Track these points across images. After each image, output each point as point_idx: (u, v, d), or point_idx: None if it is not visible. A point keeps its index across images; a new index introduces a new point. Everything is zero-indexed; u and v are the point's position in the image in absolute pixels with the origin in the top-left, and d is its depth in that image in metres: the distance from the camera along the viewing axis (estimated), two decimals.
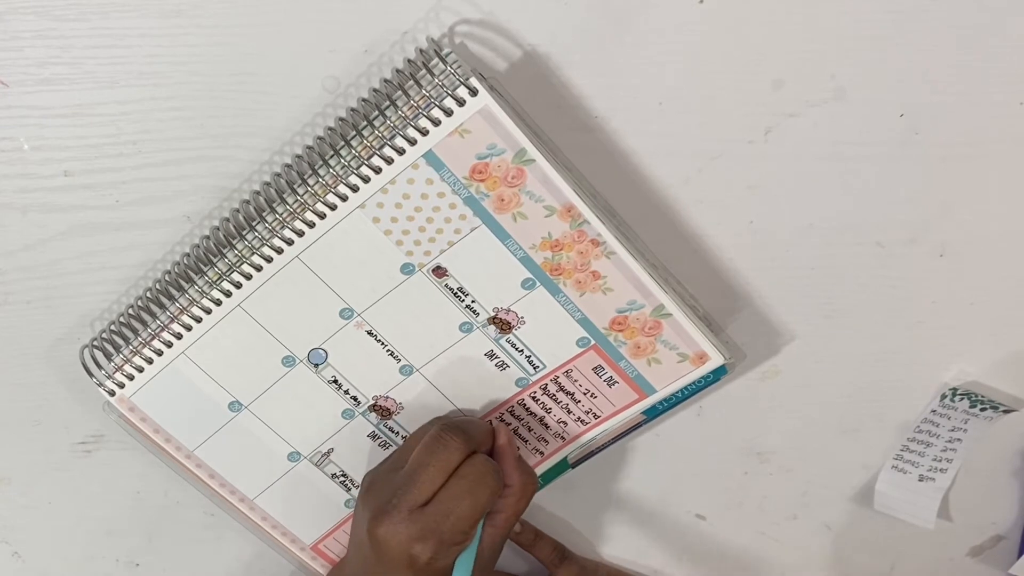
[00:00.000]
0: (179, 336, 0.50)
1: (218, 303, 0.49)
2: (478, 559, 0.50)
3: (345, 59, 0.47)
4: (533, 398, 0.54)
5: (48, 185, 0.50)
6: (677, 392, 0.53)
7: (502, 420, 0.55)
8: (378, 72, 0.48)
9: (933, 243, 0.54)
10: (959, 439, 0.56)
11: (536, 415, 0.54)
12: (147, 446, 0.54)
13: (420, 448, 0.49)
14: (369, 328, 0.51)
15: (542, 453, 0.56)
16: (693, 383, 0.52)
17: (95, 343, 0.51)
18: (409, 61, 0.46)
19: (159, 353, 0.51)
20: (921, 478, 0.57)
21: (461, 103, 0.44)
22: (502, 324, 0.51)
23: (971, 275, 0.55)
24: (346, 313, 0.50)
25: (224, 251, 0.49)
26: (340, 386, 0.53)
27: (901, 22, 0.48)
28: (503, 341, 0.52)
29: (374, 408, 0.54)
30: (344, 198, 0.47)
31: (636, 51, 0.48)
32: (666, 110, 0.49)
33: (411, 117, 0.45)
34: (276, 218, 0.48)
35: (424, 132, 0.45)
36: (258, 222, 0.48)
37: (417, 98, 0.45)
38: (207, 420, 0.53)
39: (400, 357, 0.52)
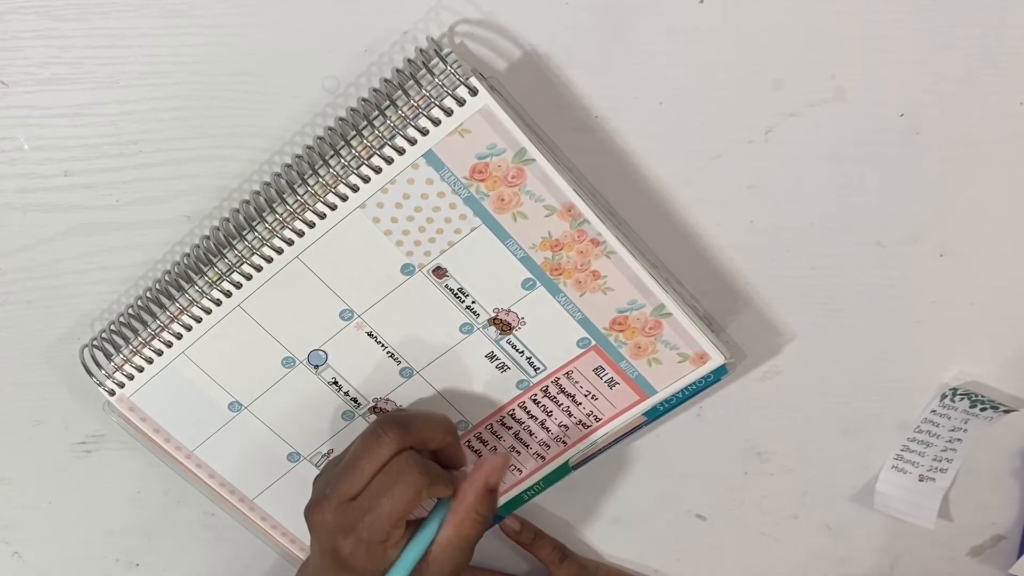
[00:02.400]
0: (179, 336, 0.50)
1: (218, 303, 0.49)
2: (431, 561, 0.48)
3: (345, 59, 0.47)
4: (534, 401, 0.54)
5: (48, 185, 0.50)
6: (678, 392, 0.53)
7: (503, 424, 0.55)
8: (378, 72, 0.47)
9: (933, 243, 0.54)
10: (959, 439, 0.56)
11: (537, 419, 0.54)
12: (147, 446, 0.54)
13: (357, 441, 0.48)
14: (369, 329, 0.51)
15: (543, 458, 0.56)
16: (694, 383, 0.52)
17: (95, 343, 0.51)
18: (409, 61, 0.46)
19: (159, 353, 0.51)
20: (921, 478, 0.57)
21: (461, 103, 0.44)
22: (502, 325, 0.51)
23: (971, 275, 0.55)
24: (346, 314, 0.50)
25: (224, 251, 0.49)
26: (340, 387, 0.53)
27: (901, 22, 0.48)
28: (503, 342, 0.52)
29: (374, 410, 0.54)
30: (344, 198, 0.47)
31: (636, 51, 0.48)
32: (666, 110, 0.49)
33: (411, 117, 0.45)
34: (276, 218, 0.48)
35: (424, 132, 0.45)
36: (258, 222, 0.48)
37: (417, 98, 0.45)
38: (207, 420, 0.53)
39: (400, 359, 0.52)
